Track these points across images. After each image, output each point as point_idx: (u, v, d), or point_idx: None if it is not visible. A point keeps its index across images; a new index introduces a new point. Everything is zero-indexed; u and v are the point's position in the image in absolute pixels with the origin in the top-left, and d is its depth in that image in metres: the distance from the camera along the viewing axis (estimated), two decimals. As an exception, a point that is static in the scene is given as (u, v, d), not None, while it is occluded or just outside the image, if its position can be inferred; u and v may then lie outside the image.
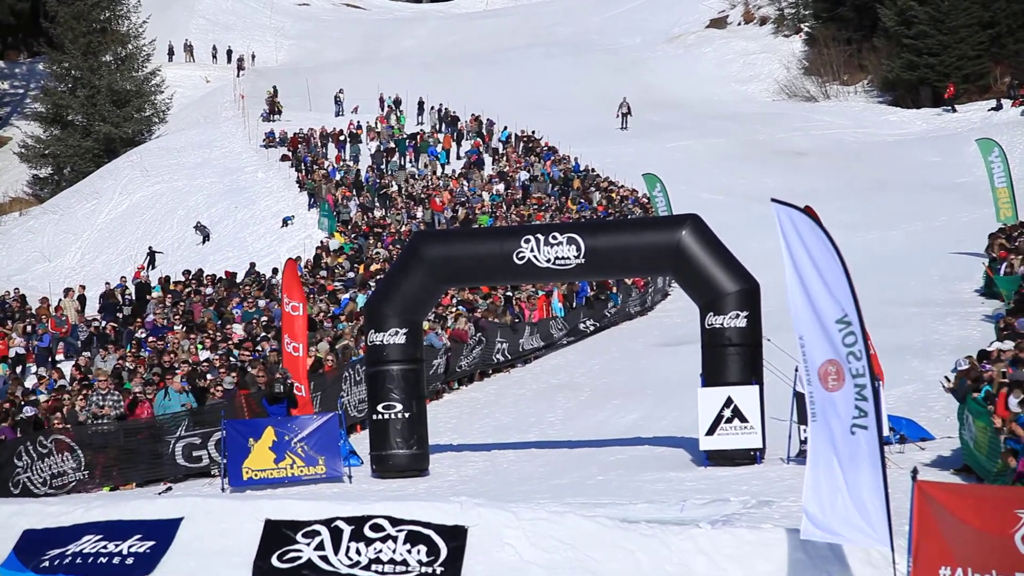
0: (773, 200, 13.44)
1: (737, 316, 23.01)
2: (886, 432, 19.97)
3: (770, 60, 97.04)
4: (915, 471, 13.05)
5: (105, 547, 16.55)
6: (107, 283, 47.90)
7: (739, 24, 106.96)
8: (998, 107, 75.98)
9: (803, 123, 79.99)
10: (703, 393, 22.79)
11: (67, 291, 44.65)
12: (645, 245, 24.06)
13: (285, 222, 59.42)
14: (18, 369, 37.53)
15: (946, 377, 22.45)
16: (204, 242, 60.10)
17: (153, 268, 54.89)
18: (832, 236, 13.19)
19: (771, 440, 22.54)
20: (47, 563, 16.54)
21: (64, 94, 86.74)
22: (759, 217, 50.68)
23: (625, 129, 72.61)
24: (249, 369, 28.99)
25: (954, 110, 78.39)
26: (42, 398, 27.40)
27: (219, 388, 27.21)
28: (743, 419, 22.33)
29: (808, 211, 22.09)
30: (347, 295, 40.60)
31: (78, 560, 16.49)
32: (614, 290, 43.89)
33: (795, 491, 18.79)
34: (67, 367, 34.56)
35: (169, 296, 43.75)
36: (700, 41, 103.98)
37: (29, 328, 39.67)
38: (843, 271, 13.00)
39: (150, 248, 58.49)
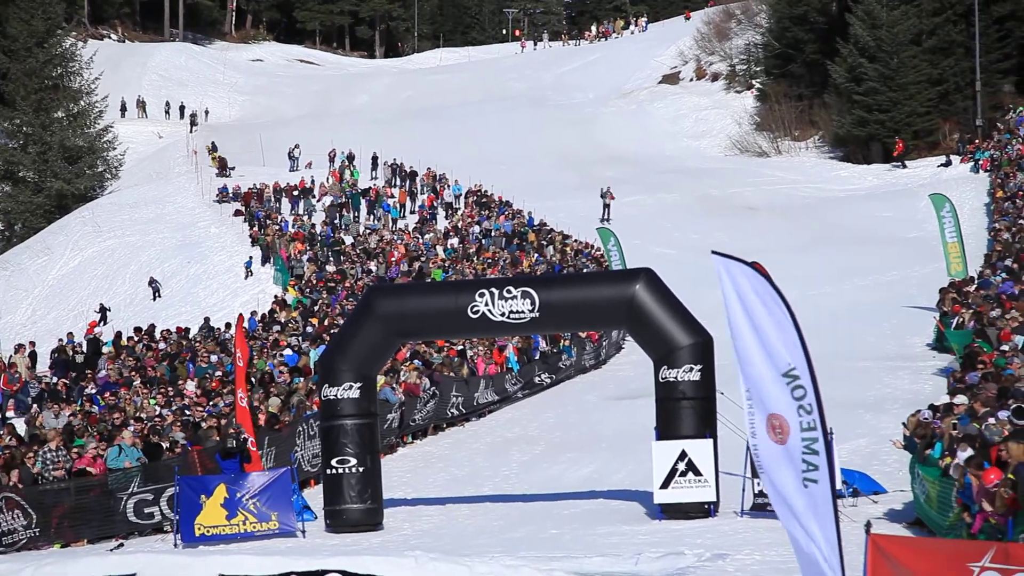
0: (714, 252, 13.41)
1: (691, 369, 23.14)
2: (839, 486, 20.03)
3: (722, 116, 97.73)
4: (868, 524, 13.04)
5: (56, 604, 16.36)
6: (60, 339, 47.67)
7: (691, 80, 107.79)
8: (947, 163, 76.78)
9: (755, 178, 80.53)
10: (657, 446, 22.85)
11: (18, 347, 44.35)
12: (599, 299, 24.18)
13: (247, 268, 59.36)
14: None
15: (896, 441, 22.54)
16: (155, 298, 59.87)
17: (105, 324, 54.61)
18: (779, 288, 13.22)
19: (725, 493, 22.60)
20: (-3, 621, 16.34)
21: (16, 151, 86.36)
22: (712, 271, 50.80)
23: (607, 221, 66.48)
24: (203, 424, 28.86)
25: (904, 166, 79.16)
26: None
27: (178, 445, 27.07)
28: (697, 472, 22.39)
29: (756, 267, 22.23)
30: (294, 352, 40.45)
31: (29, 618, 16.30)
32: (567, 343, 43.94)
33: (750, 544, 18.86)
34: (18, 423, 34.27)
35: (123, 352, 43.52)
36: (653, 97, 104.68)
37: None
38: (791, 323, 12.84)
39: (101, 305, 58.23)
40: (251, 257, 60.42)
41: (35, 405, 37.88)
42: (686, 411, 23.06)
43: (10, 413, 38.78)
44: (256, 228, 64.37)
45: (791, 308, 13.15)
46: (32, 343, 46.80)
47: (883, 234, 62.54)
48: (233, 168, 78.68)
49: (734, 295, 13.14)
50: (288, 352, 40.29)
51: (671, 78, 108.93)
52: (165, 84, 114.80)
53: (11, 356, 43.31)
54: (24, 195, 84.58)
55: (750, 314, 13.01)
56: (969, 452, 17.67)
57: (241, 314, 31.72)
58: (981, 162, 73.46)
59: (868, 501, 21.99)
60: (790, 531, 13.24)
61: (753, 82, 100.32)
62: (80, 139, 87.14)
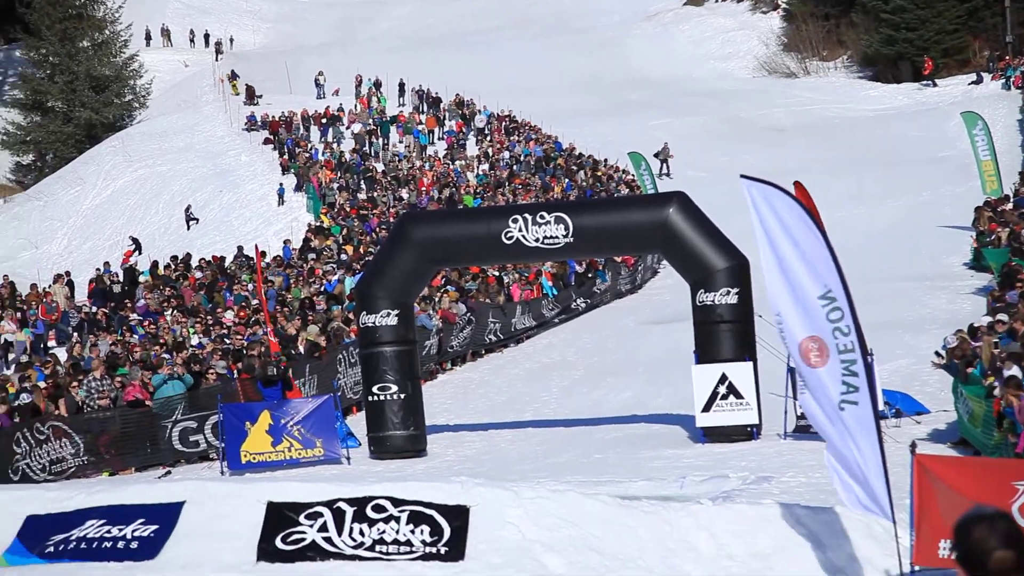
0: (742, 176, 13.36)
1: (728, 292, 23.12)
2: (881, 407, 20.08)
3: (749, 37, 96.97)
4: (913, 445, 13.13)
5: (109, 531, 16.55)
6: (96, 269, 47.87)
7: (716, 1, 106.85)
8: (978, 81, 76.16)
9: (783, 99, 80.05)
10: (697, 370, 22.88)
11: (57, 277, 44.62)
12: (633, 223, 24.13)
13: (280, 196, 59.42)
14: (9, 356, 37.56)
15: (937, 353, 22.58)
16: (188, 227, 60.04)
17: (140, 254, 54.84)
18: (811, 210, 13.17)
19: (767, 416, 22.64)
20: (51, 548, 16.55)
21: (43, 80, 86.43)
22: (744, 195, 50.85)
23: (667, 176, 61.68)
24: (249, 352, 29.03)
25: (934, 84, 78.57)
26: (41, 384, 27.41)
27: (213, 372, 27.27)
28: (738, 395, 22.45)
29: (796, 188, 22.16)
30: (336, 277, 40.64)
31: (82, 545, 16.50)
32: (602, 268, 43.96)
33: (793, 466, 18.95)
34: (59, 353, 34.56)
35: (160, 282, 43.72)
36: (677, 19, 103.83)
37: (20, 315, 39.68)
38: (824, 245, 12.81)
39: (132, 238, 58.39)
40: (282, 185, 60.47)
41: (75, 334, 38.20)
42: (725, 334, 23.06)
43: (51, 343, 39.07)
44: (286, 156, 64.35)
45: (824, 230, 13.13)
46: (68, 273, 47.03)
47: (915, 154, 62.22)
48: (260, 96, 78.53)
49: (765, 219, 13.10)
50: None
51: (696, 0, 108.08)
52: (189, 12, 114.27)
53: (50, 286, 43.56)
54: (54, 125, 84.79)
55: (782, 238, 12.96)
56: (1015, 370, 17.69)
57: (256, 245, 31.70)
58: (1013, 79, 72.83)
59: (911, 422, 22.03)
60: (829, 453, 13.35)
61: (779, 2, 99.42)
62: (106, 68, 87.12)
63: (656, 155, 62.69)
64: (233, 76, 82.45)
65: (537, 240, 23.77)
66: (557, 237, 23.74)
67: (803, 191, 24.17)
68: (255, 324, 32.99)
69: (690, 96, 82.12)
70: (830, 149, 65.41)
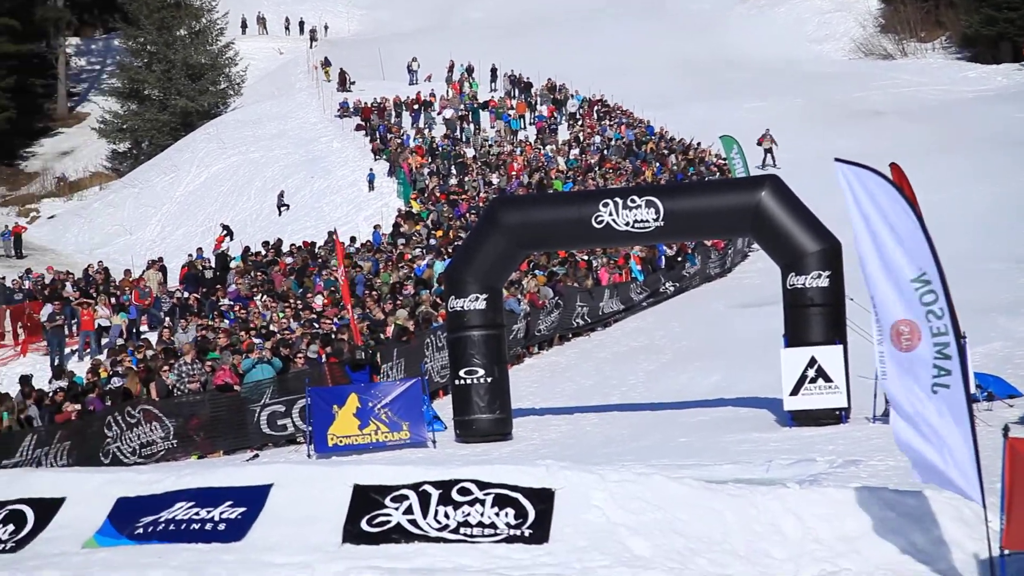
0: (837, 160, 13.25)
1: (819, 276, 22.91)
2: (973, 390, 19.78)
3: (845, 19, 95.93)
4: (1007, 428, 12.91)
5: (197, 513, 16.69)
6: (189, 255, 48.38)
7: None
8: (1080, 61, 74.92)
9: (880, 82, 79.11)
10: (786, 353, 22.70)
11: (150, 263, 45.15)
12: (724, 207, 23.96)
13: (370, 182, 59.71)
14: (102, 340, 38.07)
15: None
16: (280, 213, 60.50)
17: (231, 240, 55.39)
18: (905, 192, 13.01)
19: (856, 399, 22.40)
20: (141, 530, 16.71)
21: (140, 69, 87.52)
22: (837, 177, 50.30)
23: (771, 167, 57.99)
24: (339, 336, 29.19)
25: (1035, 64, 77.35)
26: (134, 368, 27.77)
27: (301, 356, 27.43)
28: (827, 379, 22.24)
29: (893, 170, 21.86)
30: (424, 262, 40.75)
31: (171, 527, 16.65)
32: (691, 252, 43.74)
33: (882, 450, 18.69)
34: (151, 338, 34.99)
35: (251, 267, 44.09)
36: (773, 1, 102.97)
37: (114, 301, 40.21)
38: (919, 228, 12.72)
39: (223, 225, 58.97)
40: (372, 170, 60.73)
41: (167, 319, 38.63)
42: (815, 317, 22.85)
43: (143, 328, 39.54)
44: (377, 142, 64.63)
45: (919, 213, 12.98)
46: (161, 259, 47.58)
47: (1014, 135, 61.16)
48: (354, 83, 78.93)
49: (860, 202, 13.00)
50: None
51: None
52: (284, 0, 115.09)
53: (144, 272, 44.09)
54: (150, 113, 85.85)
55: (877, 221, 12.88)
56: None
57: (336, 231, 31.76)
58: (1115, 59, 71.57)
59: (1003, 405, 21.67)
60: (906, 438, 13.16)
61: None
62: (202, 56, 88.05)
63: (759, 143, 60.52)
64: (326, 63, 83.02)
65: (627, 224, 23.66)
66: (648, 221, 23.62)
67: (900, 173, 23.83)
68: (344, 308, 33.18)
69: (785, 79, 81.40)
70: (927, 131, 64.52)
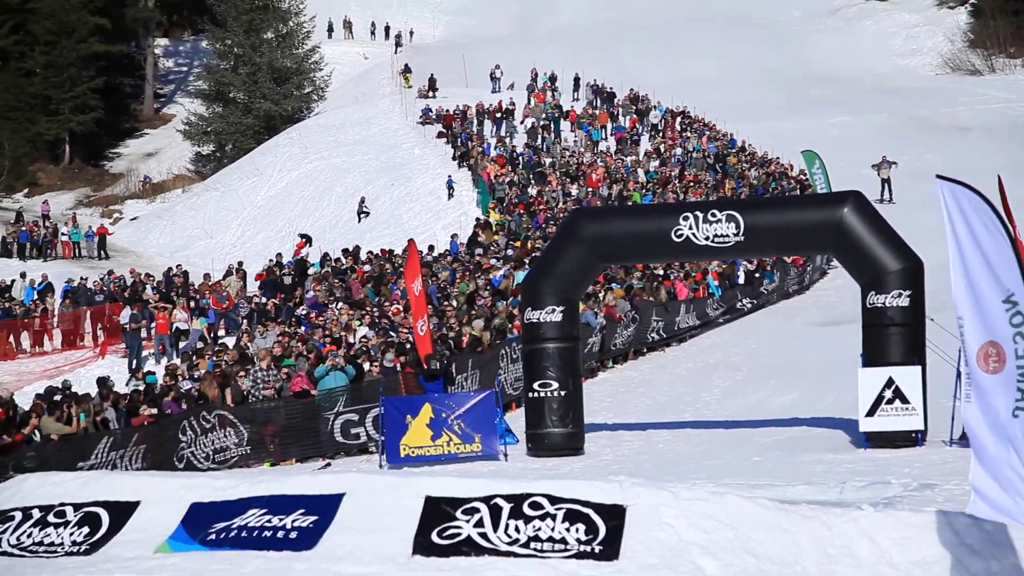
0: (938, 177, 13.16)
1: (900, 295, 22.66)
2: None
3: (933, 33, 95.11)
4: (1086, 454, 12.73)
5: (269, 521, 16.76)
6: (268, 260, 48.67)
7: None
8: None
9: (967, 97, 78.25)
10: (863, 373, 22.47)
11: (231, 269, 45.47)
12: (806, 223, 23.78)
13: (449, 188, 59.83)
14: (180, 344, 38.38)
15: None
16: (360, 220, 60.75)
17: (311, 246, 55.73)
18: (1002, 214, 12.89)
19: (933, 422, 22.14)
20: (214, 536, 16.81)
21: (226, 72, 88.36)
22: (921, 194, 49.77)
23: (887, 202, 54.01)
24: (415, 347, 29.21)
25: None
26: (212, 372, 27.96)
27: (377, 365, 27.51)
28: (904, 400, 21.99)
29: (1000, 186, 21.59)
30: (501, 272, 40.75)
31: (243, 533, 16.72)
32: (770, 268, 43.46)
33: (958, 474, 18.44)
34: (229, 343, 35.23)
35: (329, 274, 44.27)
36: (861, 14, 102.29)
37: (192, 304, 40.53)
38: (1012, 249, 12.67)
39: (302, 234, 59.23)
40: (451, 177, 60.80)
41: (245, 324, 38.88)
42: (894, 337, 22.61)
43: (221, 332, 39.82)
44: (458, 150, 64.73)
45: (1015, 232, 12.86)
46: (240, 263, 47.89)
47: (1104, 154, 60.35)
48: (437, 89, 79.15)
49: (961, 221, 12.92)
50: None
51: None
52: (371, 4, 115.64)
53: (224, 277, 44.41)
54: (234, 116, 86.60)
55: (972, 240, 12.81)
56: None
57: (412, 240, 31.73)
58: None
59: (1083, 432, 21.32)
60: (987, 461, 12.99)
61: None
62: (288, 60, 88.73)
63: (877, 172, 56.35)
64: (406, 70, 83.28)
65: (707, 238, 23.54)
66: (727, 236, 23.47)
67: (1002, 189, 23.68)
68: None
69: (871, 93, 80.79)
70: (1015, 149, 63.72)
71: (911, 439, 21.96)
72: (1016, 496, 12.88)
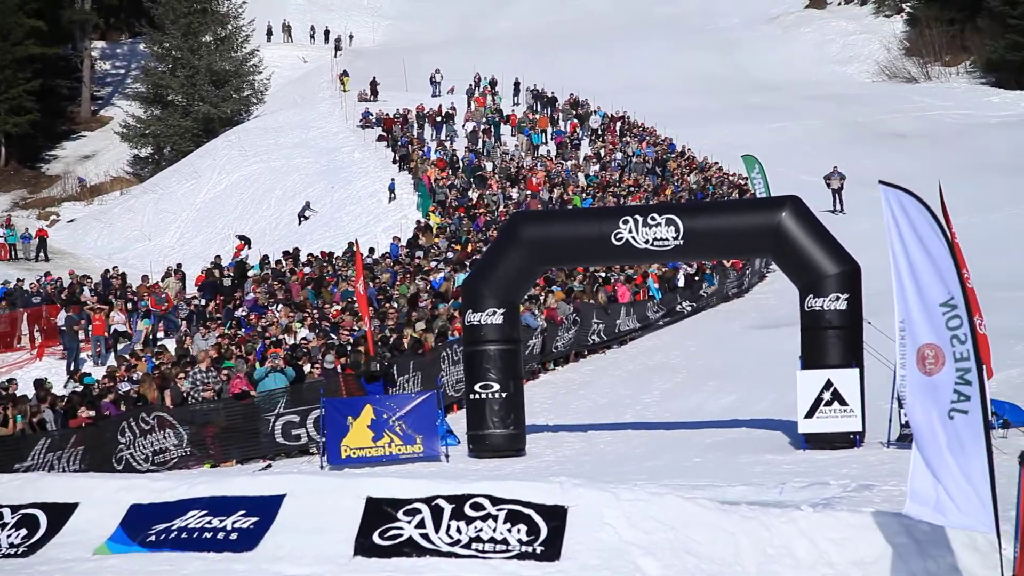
0: (881, 182, 13.32)
1: (837, 298, 22.86)
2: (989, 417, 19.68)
3: (870, 41, 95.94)
4: (1023, 456, 12.88)
5: (210, 522, 16.70)
6: (208, 262, 48.42)
7: (839, 4, 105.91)
8: (1105, 88, 74.77)
9: (903, 104, 79.05)
10: (802, 376, 22.64)
11: (169, 271, 45.22)
12: (745, 227, 23.93)
13: (391, 191, 59.69)
14: (118, 346, 38.13)
15: None
16: (300, 223, 60.55)
17: (249, 248, 55.47)
18: (939, 219, 13.06)
19: (871, 423, 22.33)
20: (153, 537, 16.72)
21: (164, 74, 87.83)
22: (858, 199, 50.20)
23: (839, 212, 53.07)
24: (355, 348, 29.18)
25: (1058, 91, 77.23)
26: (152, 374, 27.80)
27: (318, 367, 27.44)
28: (843, 402, 22.18)
29: (939, 192, 21.87)
30: (442, 275, 40.74)
31: (183, 535, 16.65)
32: (709, 271, 43.69)
33: (896, 475, 18.63)
34: (168, 344, 35.03)
35: (269, 276, 44.12)
36: (799, 21, 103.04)
37: (130, 306, 40.26)
38: (950, 253, 12.85)
39: (239, 236, 58.86)
40: (393, 180, 60.71)
41: (184, 326, 38.69)
42: (832, 340, 22.80)
43: (160, 334, 39.59)
44: (399, 152, 64.68)
45: (950, 239, 13.01)
46: (180, 265, 47.63)
47: (1036, 161, 61.09)
48: (377, 94, 79.06)
49: (905, 225, 13.08)
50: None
51: (818, 2, 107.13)
52: (310, 8, 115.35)
53: (163, 279, 44.16)
54: (173, 119, 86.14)
55: (914, 244, 12.97)
56: None
57: (356, 241, 31.71)
58: None
59: (1019, 433, 21.59)
60: (924, 463, 13.15)
61: (903, 6, 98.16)
62: (227, 63, 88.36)
63: (827, 183, 55.22)
64: (344, 74, 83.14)
65: (647, 242, 23.64)
66: (667, 239, 23.59)
67: (942, 196, 23.95)
68: (360, 319, 33.19)
69: (809, 100, 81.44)
70: (949, 155, 64.41)
71: (849, 440, 22.15)
72: (949, 498, 13.04)
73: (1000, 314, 31.84)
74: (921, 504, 13.25)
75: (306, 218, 60.96)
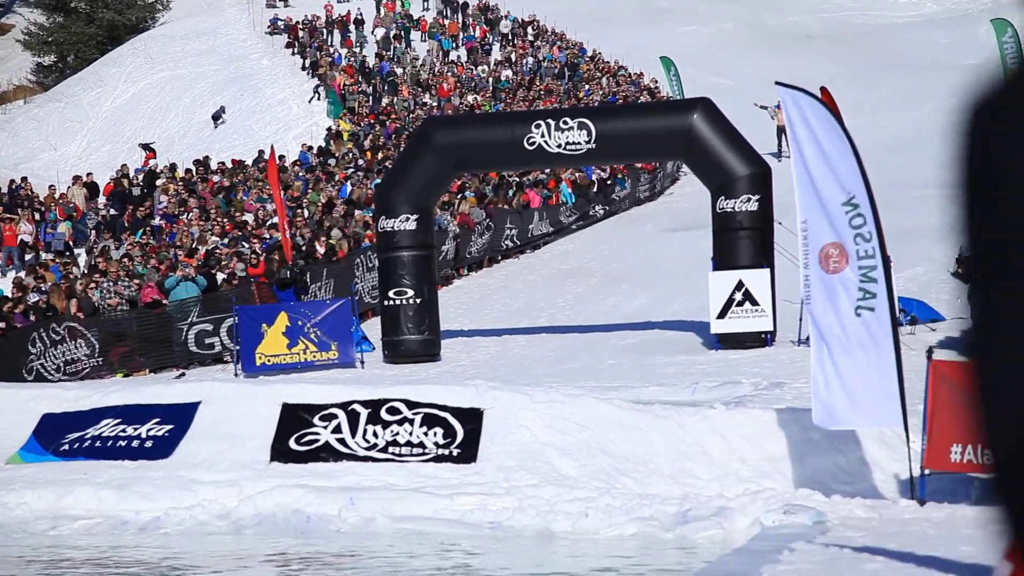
0: (777, 83, 13.39)
1: (748, 200, 23.03)
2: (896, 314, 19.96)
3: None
4: (930, 350, 13.11)
5: (124, 431, 16.67)
6: (116, 171, 47.75)
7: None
8: (1010, -12, 75.22)
9: (812, 6, 79.13)
10: (714, 277, 22.86)
11: (76, 179, 44.56)
12: (656, 129, 24.00)
13: (317, 93, 58.96)
14: (26, 256, 37.62)
15: (956, 260, 22.45)
16: (216, 127, 59.83)
17: (155, 157, 54.73)
18: (841, 118, 13.16)
19: (782, 323, 22.61)
20: (66, 446, 16.67)
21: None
22: (768, 102, 50.37)
23: (786, 156, 49.81)
24: (268, 255, 29.02)
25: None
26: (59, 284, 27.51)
27: (236, 277, 27.29)
28: (754, 302, 22.42)
29: (823, 94, 22.01)
30: (351, 182, 40.52)
31: (97, 443, 16.62)
32: (621, 175, 43.76)
33: (806, 372, 18.74)
34: (78, 254, 34.64)
35: (179, 184, 43.64)
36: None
37: (37, 216, 39.69)
38: (852, 153, 12.94)
39: (142, 144, 57.92)
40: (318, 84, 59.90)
41: (93, 235, 38.24)
42: (743, 241, 23.01)
43: (69, 243, 39.08)
44: (308, 58, 63.98)
45: (852, 138, 13.11)
46: (89, 175, 46.93)
47: (942, 61, 61.47)
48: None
49: (803, 126, 13.16)
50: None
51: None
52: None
53: (70, 187, 43.52)
54: (76, 26, 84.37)
55: (811, 145, 13.06)
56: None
57: (272, 147, 31.49)
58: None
59: (925, 329, 21.94)
60: (822, 361, 13.33)
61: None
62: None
63: (764, 108, 48.74)
64: None
65: (559, 146, 23.66)
66: (579, 143, 23.62)
67: (829, 97, 24.01)
68: (272, 228, 32.98)
69: (718, 3, 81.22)
70: (858, 56, 64.76)
71: (761, 340, 22.44)
72: (854, 401, 13.24)
73: (906, 212, 32.21)
74: (829, 415, 13.43)
75: (223, 122, 60.22)
